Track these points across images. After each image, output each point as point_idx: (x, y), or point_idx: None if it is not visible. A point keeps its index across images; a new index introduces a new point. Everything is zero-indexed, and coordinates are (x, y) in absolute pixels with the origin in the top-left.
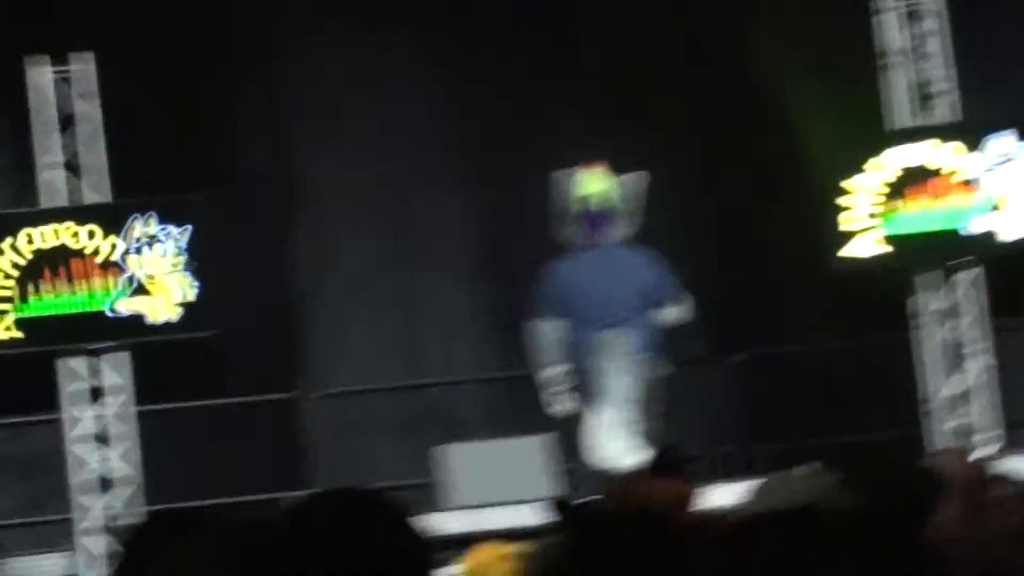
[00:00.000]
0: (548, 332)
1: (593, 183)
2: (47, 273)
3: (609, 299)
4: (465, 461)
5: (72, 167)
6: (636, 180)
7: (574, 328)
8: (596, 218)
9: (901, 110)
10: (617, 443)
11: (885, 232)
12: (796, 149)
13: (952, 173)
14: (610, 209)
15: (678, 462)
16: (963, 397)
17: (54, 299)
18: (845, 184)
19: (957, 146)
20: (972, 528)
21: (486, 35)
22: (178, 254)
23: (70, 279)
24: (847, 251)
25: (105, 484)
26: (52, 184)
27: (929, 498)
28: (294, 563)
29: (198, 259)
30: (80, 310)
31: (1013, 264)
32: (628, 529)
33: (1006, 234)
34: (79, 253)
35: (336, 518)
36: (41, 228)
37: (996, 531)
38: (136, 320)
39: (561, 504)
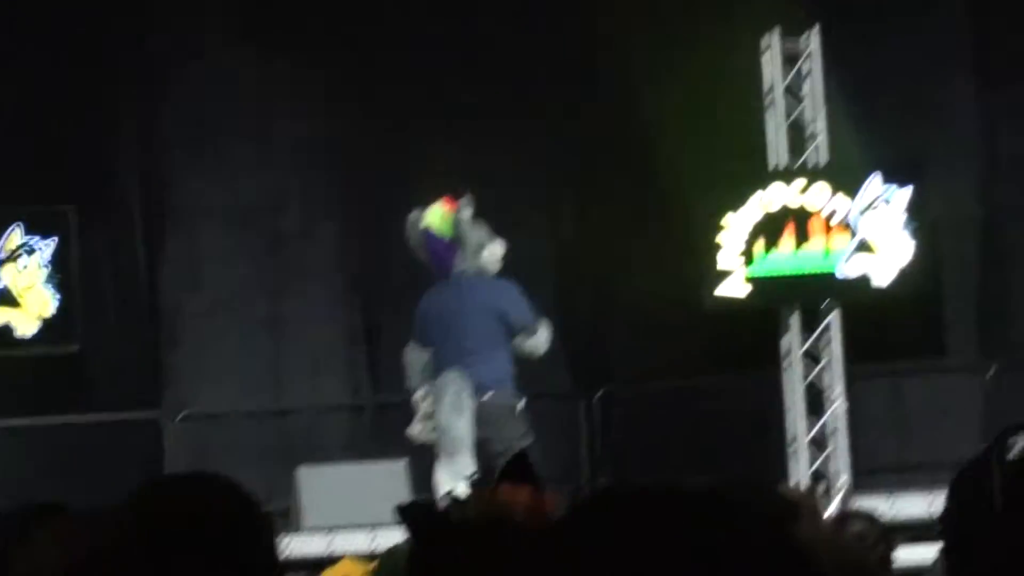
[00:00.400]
0: (415, 357)
1: (431, 216)
2: None
3: (460, 333)
4: (322, 483)
5: None
6: (470, 207)
7: (434, 359)
8: (438, 251)
9: (779, 150)
10: (453, 484)
11: (754, 272)
12: (676, 184)
13: (825, 214)
14: (451, 240)
15: (527, 469)
16: (821, 439)
17: None
18: (722, 222)
19: (832, 188)
20: (830, 551)
21: (363, 67)
22: (41, 266)
23: None
24: (721, 289)
25: None
26: None
27: (786, 515)
28: (143, 547)
29: (64, 272)
30: None
31: (873, 309)
32: (470, 533)
33: (877, 279)
34: None
35: (184, 500)
36: None
37: (858, 562)
38: (4, 332)
39: (406, 509)
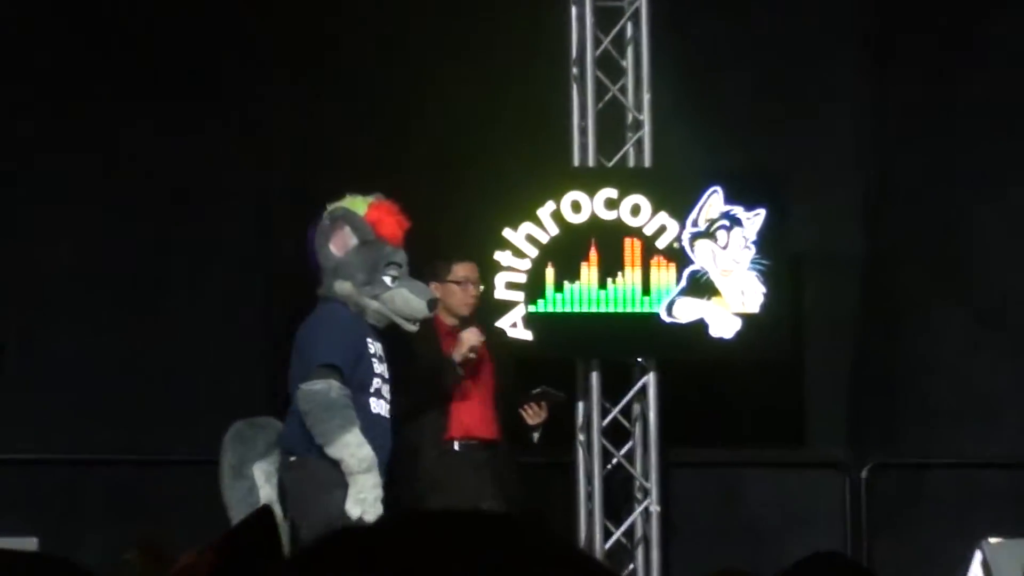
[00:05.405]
0: None
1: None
2: None
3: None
4: None
5: None
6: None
7: None
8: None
9: (585, 144)
10: None
11: (537, 308)
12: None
13: (648, 236)
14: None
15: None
16: (626, 549)
17: None
18: (503, 236)
19: (653, 203)
20: None
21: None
22: None
23: None
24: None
25: None
26: None
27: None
28: None
29: None
30: None
31: (705, 372)
32: None
33: (716, 329)
34: None
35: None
36: None
37: None
38: None
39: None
